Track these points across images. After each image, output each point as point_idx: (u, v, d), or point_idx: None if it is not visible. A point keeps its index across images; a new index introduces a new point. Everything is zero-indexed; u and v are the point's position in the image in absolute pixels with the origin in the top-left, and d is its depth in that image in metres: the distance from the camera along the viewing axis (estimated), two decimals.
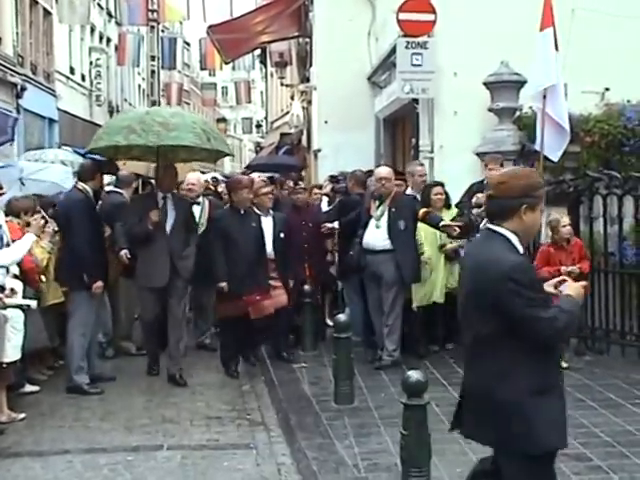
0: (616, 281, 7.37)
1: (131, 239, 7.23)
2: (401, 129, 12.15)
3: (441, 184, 7.91)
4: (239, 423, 6.04)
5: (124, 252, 7.49)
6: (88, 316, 6.86)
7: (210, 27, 15.11)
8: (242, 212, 7.38)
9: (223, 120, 46.14)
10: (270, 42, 17.49)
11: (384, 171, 7.56)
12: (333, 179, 9.76)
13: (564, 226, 6.83)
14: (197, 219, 7.92)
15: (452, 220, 7.23)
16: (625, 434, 5.46)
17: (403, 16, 9.34)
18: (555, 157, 8.36)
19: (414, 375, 4.51)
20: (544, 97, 8.29)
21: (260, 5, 18.18)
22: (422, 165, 8.49)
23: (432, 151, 9.56)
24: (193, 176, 8.57)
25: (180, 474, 5.06)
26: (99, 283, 6.77)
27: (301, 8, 15.12)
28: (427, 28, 9.34)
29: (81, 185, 6.98)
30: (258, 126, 39.69)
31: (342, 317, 6.43)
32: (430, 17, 9.34)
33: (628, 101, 9.10)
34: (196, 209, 7.97)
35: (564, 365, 6.53)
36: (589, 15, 9.24)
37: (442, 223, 7.07)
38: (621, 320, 7.28)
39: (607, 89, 9.27)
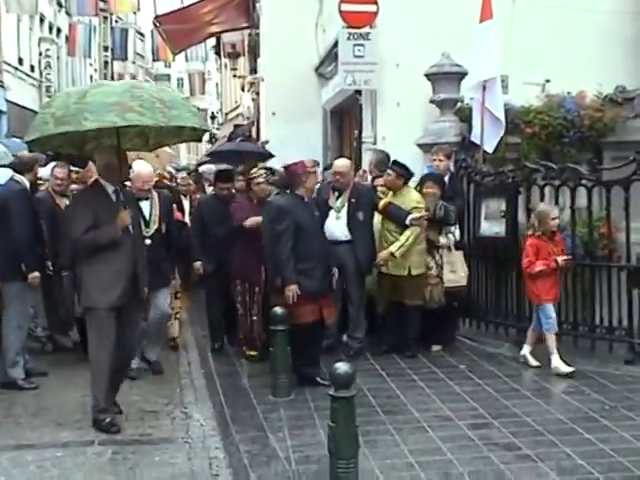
0: None
1: (91, 249, 5.55)
2: (347, 121, 12.13)
3: (434, 178, 7.74)
4: (174, 417, 5.97)
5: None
6: (24, 308, 6.76)
7: (157, 17, 14.90)
8: (306, 200, 6.61)
9: None
10: (219, 33, 17.34)
11: (339, 164, 7.59)
12: (268, 171, 9.68)
13: (553, 218, 6.80)
14: (147, 217, 6.90)
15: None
16: (555, 422, 5.53)
17: (345, 7, 9.33)
18: (490, 148, 8.43)
19: (341, 367, 4.49)
20: (483, 89, 8.36)
21: None
22: (383, 153, 8.45)
23: (375, 142, 9.56)
24: (145, 169, 7.01)
25: (109, 469, 4.99)
26: (36, 273, 6.66)
27: None
28: (369, 19, 9.33)
29: (18, 177, 6.88)
30: (213, 117, 39.35)
31: (278, 310, 6.39)
32: (372, 8, 9.34)
33: (568, 93, 9.18)
34: (143, 205, 6.85)
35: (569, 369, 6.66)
36: (530, 6, 9.32)
37: (410, 217, 7.08)
38: (558, 310, 7.34)
39: (548, 81, 9.34)
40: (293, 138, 12.67)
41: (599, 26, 9.41)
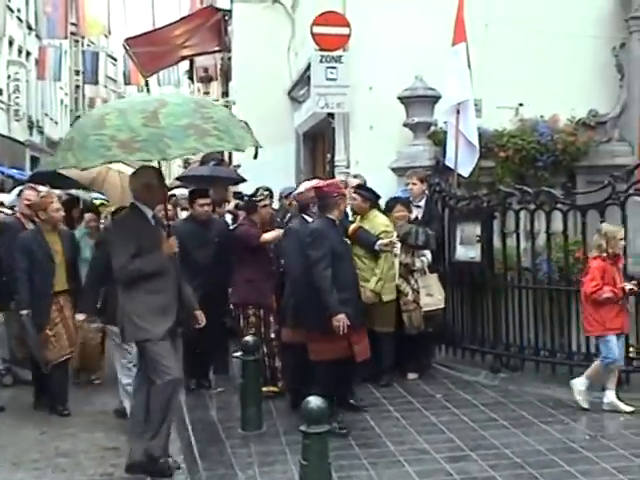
0: (529, 297, 7.31)
1: (135, 280, 5.06)
2: (320, 144, 11.99)
3: (402, 201, 7.57)
4: None
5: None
6: None
7: (127, 40, 14.63)
8: (337, 223, 6.09)
9: None
10: (191, 56, 17.11)
11: (302, 188, 7.37)
12: (237, 195, 9.52)
13: (621, 239, 6.34)
14: None
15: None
16: (535, 454, 5.34)
17: (317, 30, 9.22)
18: (466, 173, 8.35)
19: (314, 402, 4.29)
20: (457, 112, 8.27)
21: (179, 18, 17.77)
22: (357, 177, 8.29)
23: (348, 166, 9.42)
24: None
25: None
26: None
27: (220, 21, 14.85)
28: (341, 42, 9.23)
29: None
30: None
31: (250, 339, 6.18)
32: (345, 31, 9.23)
33: (541, 117, 9.15)
34: None
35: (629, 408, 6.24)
36: (503, 30, 9.28)
37: (379, 243, 6.89)
38: (535, 336, 7.21)
39: (521, 104, 9.31)
40: (266, 162, 12.47)
41: (572, 50, 9.39)
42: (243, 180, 11.32)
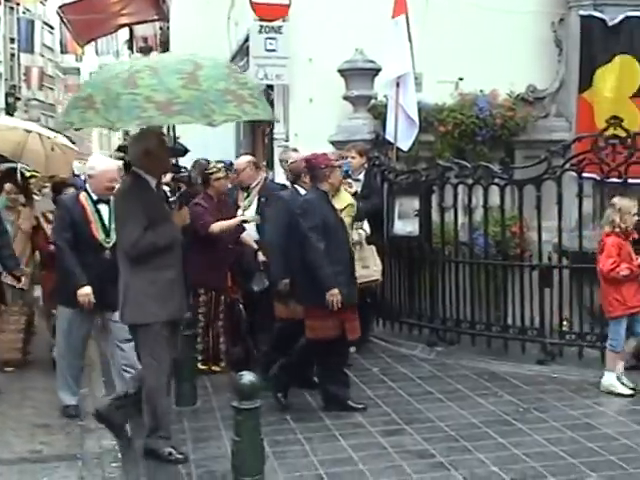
0: (466, 271, 7.35)
1: (147, 255, 4.65)
2: None
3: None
4: (69, 431, 5.57)
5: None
6: None
7: (61, 7, 14.18)
8: (331, 196, 5.92)
9: None
10: (128, 25, 16.69)
11: (238, 161, 7.34)
12: (174, 167, 9.32)
13: (634, 214, 6.07)
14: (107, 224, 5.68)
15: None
16: (469, 427, 5.38)
17: None
18: (405, 147, 8.32)
19: (246, 377, 4.22)
20: (397, 85, 8.21)
21: None
22: (296, 151, 8.15)
23: (287, 139, 9.30)
24: (111, 163, 6.11)
25: None
26: None
27: None
28: (281, 12, 9.07)
29: None
30: None
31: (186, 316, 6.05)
32: (285, 1, 9.07)
33: (481, 91, 9.15)
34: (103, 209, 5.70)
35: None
36: (444, 5, 9.24)
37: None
38: (471, 310, 7.26)
39: (461, 79, 9.29)
40: (205, 134, 12.26)
41: (512, 26, 9.39)
42: (186, 151, 11.10)
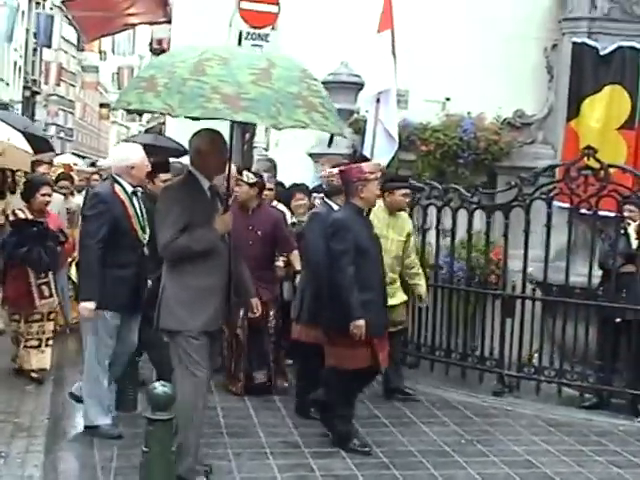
0: (430, 295, 7.17)
1: (181, 258, 4.42)
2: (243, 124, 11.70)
3: (301, 188, 7.26)
4: (1, 428, 5.45)
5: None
6: None
7: (64, 2, 14.17)
8: (365, 214, 5.39)
9: (107, 105, 44.63)
10: (137, 24, 16.76)
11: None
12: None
13: None
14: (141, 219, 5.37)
15: None
16: (405, 455, 5.22)
17: (245, 5, 8.99)
18: (382, 164, 8.14)
19: (159, 387, 4.07)
20: (377, 101, 8.09)
21: None
22: (271, 162, 8.06)
23: (267, 148, 9.18)
24: (142, 152, 5.58)
25: None
26: None
27: None
28: (269, 20, 9.00)
29: None
30: (140, 114, 38.53)
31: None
32: (273, 9, 9.00)
33: (468, 113, 9.01)
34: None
35: None
36: (437, 22, 9.14)
37: None
38: (432, 335, 7.09)
39: (448, 99, 9.17)
40: None
41: (505, 49, 9.26)
42: (186, 152, 10.91)
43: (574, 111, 8.47)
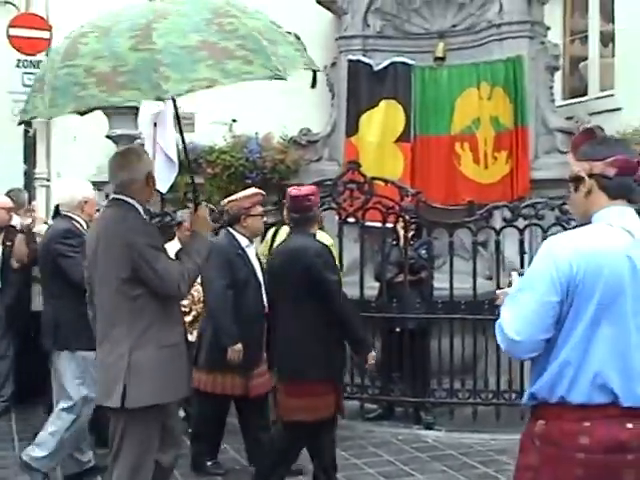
0: None
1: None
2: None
3: None
4: None
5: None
6: None
7: None
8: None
9: None
10: None
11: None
12: None
13: None
14: None
15: None
16: None
17: (14, 32, 8.56)
18: (163, 188, 7.98)
19: None
20: (155, 125, 7.92)
21: None
22: (21, 191, 7.63)
23: (49, 179, 8.79)
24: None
25: None
26: None
27: None
28: (41, 46, 8.61)
29: None
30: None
31: None
32: (45, 35, 8.63)
33: (256, 133, 9.00)
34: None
35: None
36: None
37: None
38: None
39: (234, 120, 9.15)
40: None
41: None
42: None
43: (353, 127, 8.65)
